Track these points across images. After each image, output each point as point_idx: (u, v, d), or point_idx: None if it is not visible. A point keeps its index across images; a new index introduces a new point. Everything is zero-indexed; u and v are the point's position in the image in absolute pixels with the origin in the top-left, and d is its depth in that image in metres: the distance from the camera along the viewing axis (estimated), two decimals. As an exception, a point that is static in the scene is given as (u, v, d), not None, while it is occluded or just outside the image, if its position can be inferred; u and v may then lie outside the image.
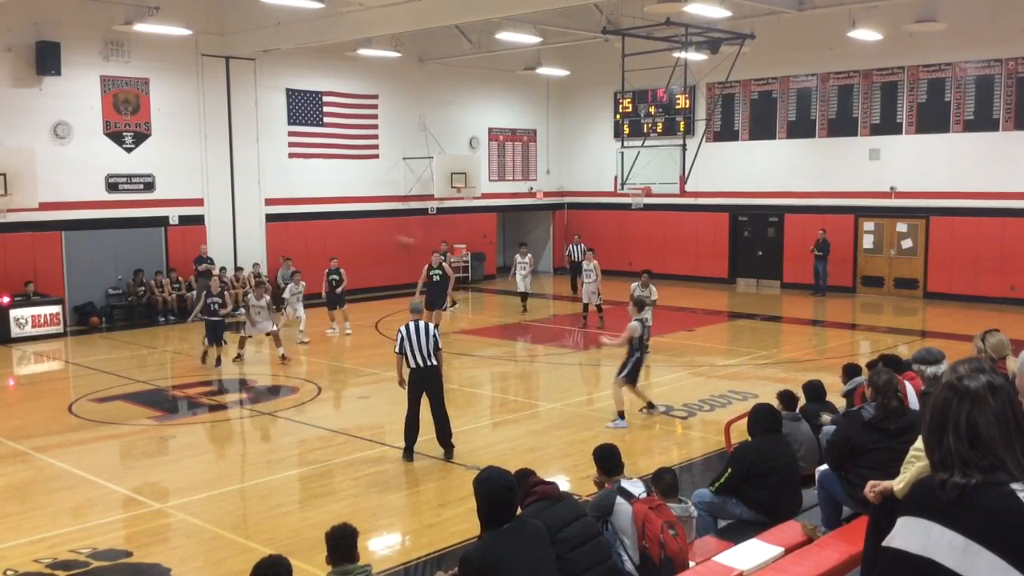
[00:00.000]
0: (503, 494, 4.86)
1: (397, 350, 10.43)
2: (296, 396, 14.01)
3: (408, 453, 10.49)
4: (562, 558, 5.32)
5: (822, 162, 24.75)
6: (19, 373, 16.93)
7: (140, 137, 21.27)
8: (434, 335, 10.44)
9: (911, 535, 2.37)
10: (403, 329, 10.43)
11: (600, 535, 5.70)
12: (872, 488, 4.62)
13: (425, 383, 10.45)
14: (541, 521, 5.32)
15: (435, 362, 10.42)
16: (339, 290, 18.89)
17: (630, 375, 11.88)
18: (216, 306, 15.87)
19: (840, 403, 9.65)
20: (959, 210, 22.48)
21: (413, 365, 10.36)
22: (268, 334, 16.56)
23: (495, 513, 4.86)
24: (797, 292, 24.66)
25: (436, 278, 18.30)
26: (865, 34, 20.93)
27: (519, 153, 29.60)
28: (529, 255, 22.35)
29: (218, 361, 16.05)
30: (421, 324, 10.49)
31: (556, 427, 12.22)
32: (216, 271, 21.62)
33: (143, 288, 21.04)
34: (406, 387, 10.53)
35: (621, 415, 11.83)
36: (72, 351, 18.26)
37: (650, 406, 12.36)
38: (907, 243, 23.74)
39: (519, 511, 5.53)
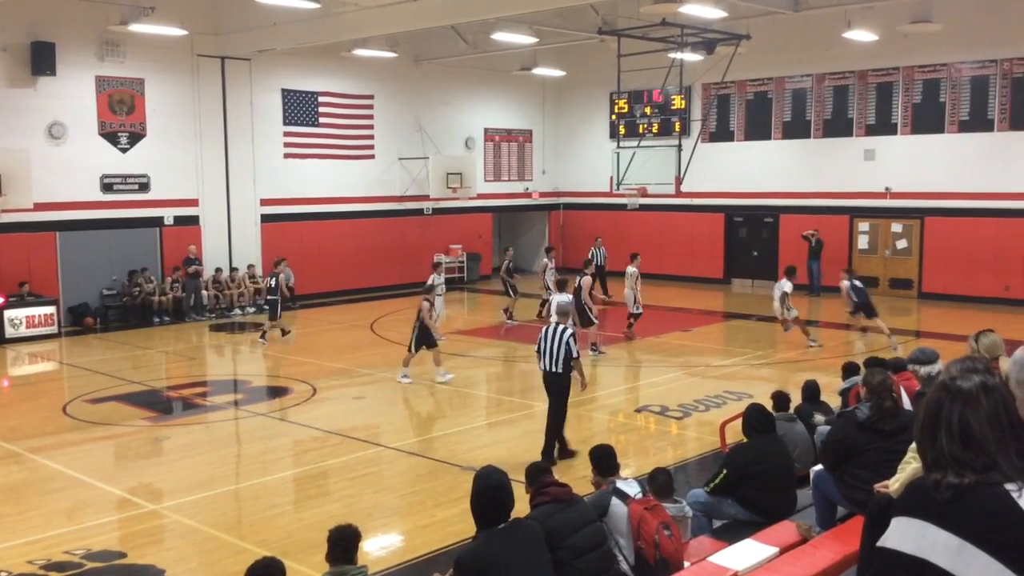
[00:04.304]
0: (491, 493, 4.87)
1: (536, 349, 10.46)
2: (291, 397, 13.99)
3: (547, 456, 10.16)
4: (566, 564, 5.28)
5: (817, 162, 24.78)
6: (13, 374, 16.89)
7: (135, 137, 21.23)
8: (566, 342, 10.13)
9: (906, 535, 2.37)
10: (543, 330, 10.43)
11: (605, 543, 5.66)
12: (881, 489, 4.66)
13: (548, 387, 10.36)
14: (550, 525, 5.29)
15: (560, 369, 10.17)
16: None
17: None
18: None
19: (836, 401, 9.68)
20: (954, 211, 22.52)
21: (542, 368, 10.31)
22: None
23: (484, 511, 4.87)
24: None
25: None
26: (860, 35, 20.96)
27: (515, 153, 29.61)
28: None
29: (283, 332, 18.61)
30: (557, 328, 10.28)
31: (551, 427, 12.23)
32: (204, 272, 21.75)
33: (138, 289, 20.99)
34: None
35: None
36: (67, 352, 18.23)
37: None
38: (902, 243, 23.77)
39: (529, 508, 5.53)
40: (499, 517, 4.86)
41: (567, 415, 10.55)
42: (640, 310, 18.25)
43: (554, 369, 10.19)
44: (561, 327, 10.30)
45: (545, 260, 20.06)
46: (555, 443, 10.41)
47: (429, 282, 17.67)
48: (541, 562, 4.99)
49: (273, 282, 18.27)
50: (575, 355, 10.15)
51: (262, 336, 18.22)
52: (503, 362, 17.20)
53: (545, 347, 10.20)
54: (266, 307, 18.86)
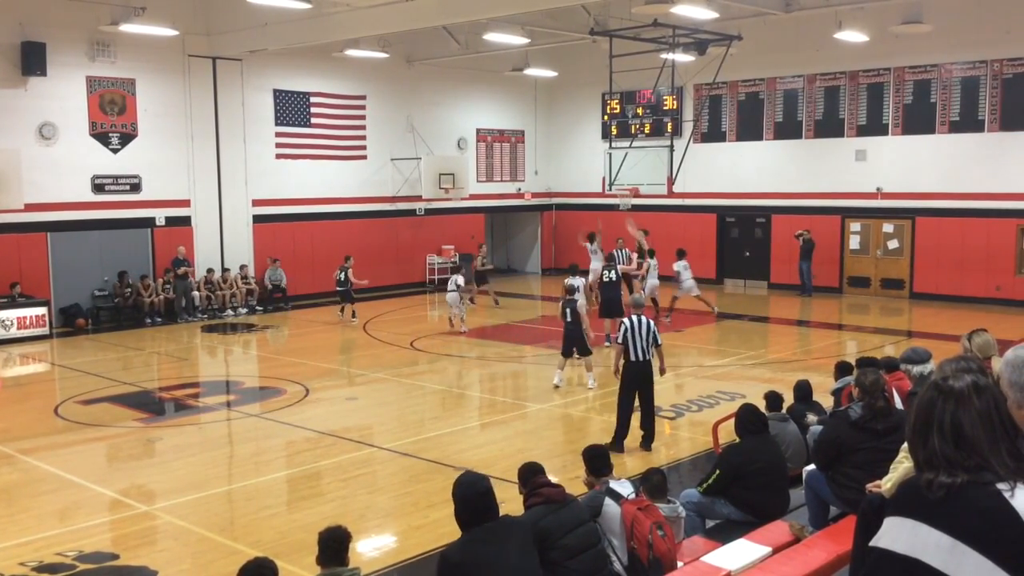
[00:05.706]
0: (477, 500, 4.84)
1: (619, 340, 10.75)
2: (283, 397, 13.97)
3: (618, 444, 10.61)
4: (560, 564, 5.27)
5: (809, 163, 24.84)
6: (5, 375, 16.82)
7: (126, 138, 21.17)
8: (653, 331, 10.69)
9: (898, 535, 2.37)
10: (626, 322, 10.75)
11: (599, 543, 5.67)
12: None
13: (641, 377, 10.71)
14: (543, 526, 5.27)
15: (651, 357, 10.69)
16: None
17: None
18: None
19: (828, 401, 9.70)
20: (945, 211, 22.60)
21: (633, 359, 10.63)
22: None
23: (471, 518, 4.84)
24: (784, 292, 24.74)
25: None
26: (851, 35, 21.02)
27: (507, 154, 29.60)
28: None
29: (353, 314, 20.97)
30: (643, 319, 10.73)
31: (545, 428, 12.25)
32: (194, 273, 21.75)
33: (129, 290, 20.92)
34: (619, 377, 10.86)
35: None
36: (58, 353, 18.16)
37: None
38: (893, 244, 23.85)
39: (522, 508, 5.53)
40: (484, 520, 4.83)
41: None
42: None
43: (647, 358, 10.65)
44: (644, 318, 10.77)
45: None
46: (653, 428, 10.94)
47: (459, 289, 19.15)
48: (528, 561, 4.94)
49: (343, 276, 20.97)
50: (659, 343, 10.74)
51: (352, 316, 20.88)
52: (496, 362, 17.20)
53: (636, 339, 10.57)
54: (337, 297, 21.62)
